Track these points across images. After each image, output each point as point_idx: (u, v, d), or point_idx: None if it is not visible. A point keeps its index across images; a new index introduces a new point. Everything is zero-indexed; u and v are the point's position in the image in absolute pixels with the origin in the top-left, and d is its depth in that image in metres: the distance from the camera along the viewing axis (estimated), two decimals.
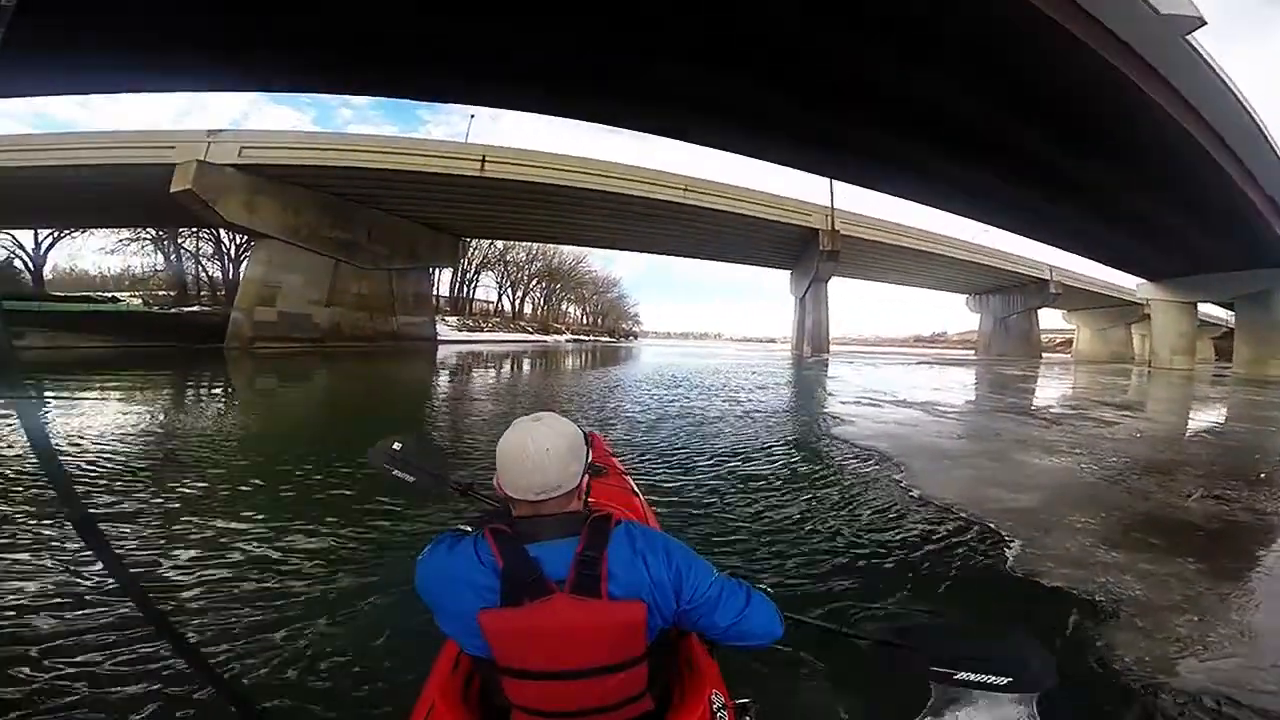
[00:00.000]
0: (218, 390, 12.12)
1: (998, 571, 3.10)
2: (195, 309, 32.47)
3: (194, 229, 35.70)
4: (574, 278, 74.06)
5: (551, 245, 56.55)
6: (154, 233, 37.41)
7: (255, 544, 3.22)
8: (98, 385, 11.60)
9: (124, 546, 3.17)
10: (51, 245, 37.83)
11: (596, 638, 1.02)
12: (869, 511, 4.09)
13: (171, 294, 39.20)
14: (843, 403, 11.05)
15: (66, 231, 36.83)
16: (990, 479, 5.09)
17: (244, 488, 4.27)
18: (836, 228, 32.02)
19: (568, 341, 59.57)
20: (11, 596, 2.59)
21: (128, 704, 1.90)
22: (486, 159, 22.93)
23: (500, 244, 54.63)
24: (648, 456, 5.65)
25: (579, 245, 51.83)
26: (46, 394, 10.19)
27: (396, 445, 1.92)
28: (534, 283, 68.57)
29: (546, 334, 62.61)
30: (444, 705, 1.11)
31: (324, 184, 23.05)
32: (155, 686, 1.96)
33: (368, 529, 3.44)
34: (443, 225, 30.84)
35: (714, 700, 1.14)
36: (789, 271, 38.87)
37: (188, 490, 4.15)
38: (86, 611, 2.48)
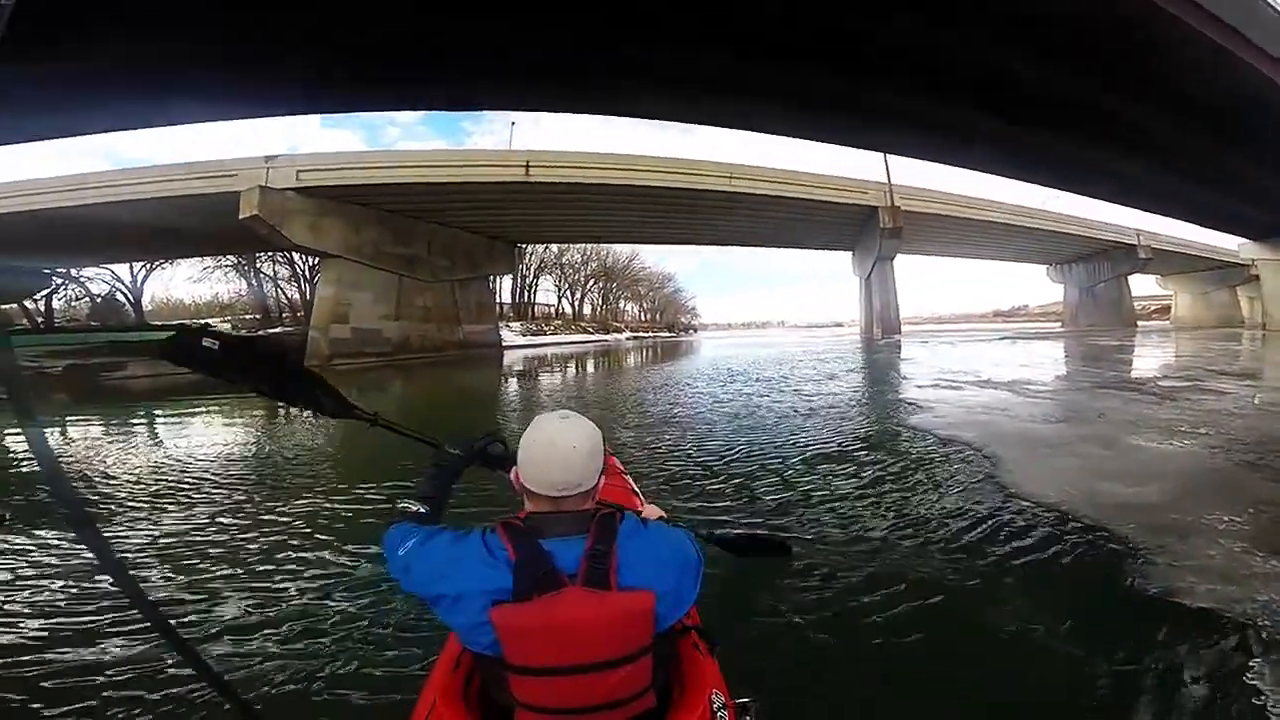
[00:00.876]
0: (306, 411, 12.79)
1: (1126, 589, 2.59)
2: (278, 330, 34.55)
3: (270, 253, 37.88)
4: (628, 276, 74.07)
5: (603, 245, 56.82)
6: (235, 259, 39.95)
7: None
8: (201, 409, 12.40)
9: (238, 548, 3.42)
10: (146, 277, 41.14)
11: (607, 629, 1.03)
12: (959, 520, 3.52)
13: (256, 317, 41.90)
14: (919, 387, 10.31)
15: (158, 263, 39.94)
16: (1100, 469, 4.49)
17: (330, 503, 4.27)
18: (896, 204, 30.45)
19: (628, 339, 59.61)
20: (11, 597, 2.60)
21: (125, 703, 1.89)
22: (530, 164, 23.04)
23: (555, 248, 55.18)
24: (698, 472, 4.82)
25: (628, 243, 51.77)
26: (156, 420, 11.08)
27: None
28: (590, 284, 68.99)
29: (606, 333, 62.89)
30: (445, 704, 1.12)
31: (380, 202, 23.71)
32: (153, 686, 1.95)
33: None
34: (497, 233, 31.29)
35: (714, 700, 1.14)
36: (850, 253, 37.35)
37: (294, 509, 4.20)
38: (82, 610, 2.47)
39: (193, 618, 2.50)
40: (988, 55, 11.61)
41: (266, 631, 2.35)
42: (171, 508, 4.40)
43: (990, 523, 3.48)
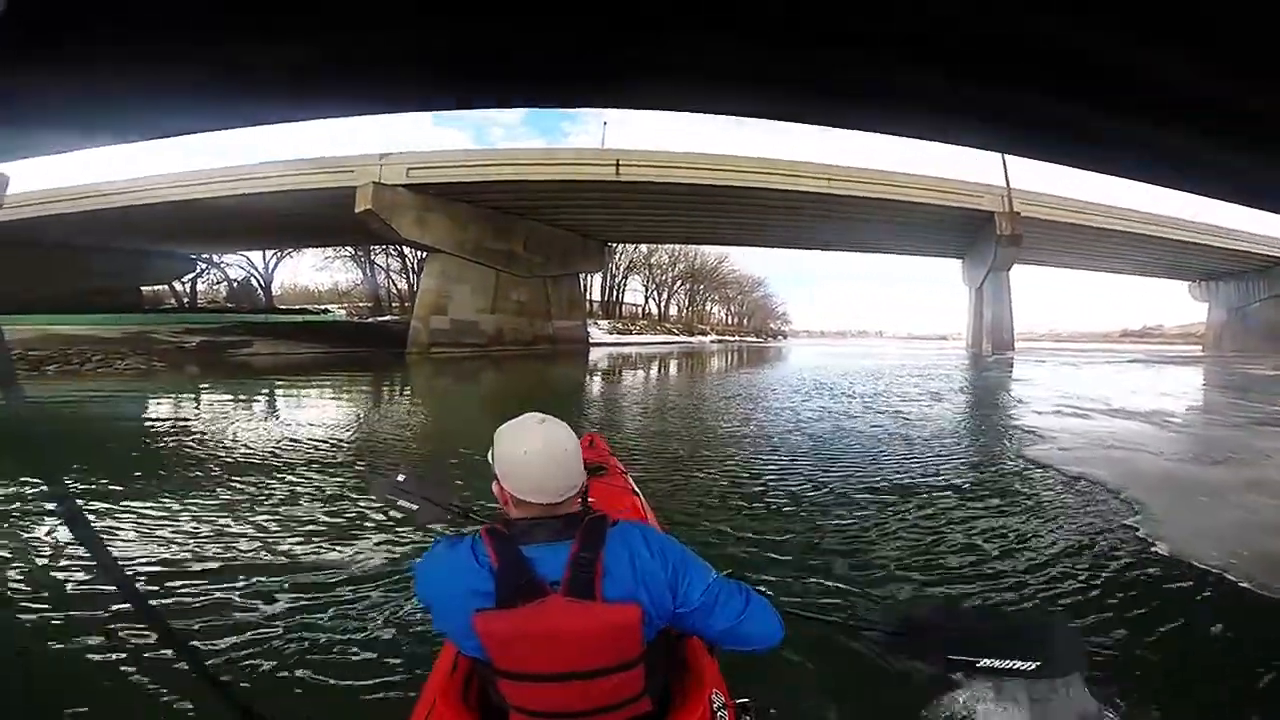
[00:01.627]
0: (406, 391, 13.84)
1: None
2: (386, 319, 36.94)
3: (383, 246, 40.51)
4: (716, 278, 73.22)
5: (692, 246, 56.43)
6: (352, 250, 43.08)
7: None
8: (314, 386, 13.65)
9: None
10: (276, 264, 45.26)
11: (591, 640, 1.00)
12: (1098, 586, 2.90)
13: (368, 305, 45.13)
14: (1039, 413, 9.25)
15: (286, 252, 43.80)
16: (1276, 525, 3.76)
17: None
18: (1016, 209, 28.03)
19: (712, 343, 58.98)
20: (8, 597, 2.61)
21: (122, 702, 1.88)
22: (620, 162, 23.15)
23: (645, 248, 55.41)
24: (760, 509, 4.26)
25: (717, 245, 51.06)
26: (277, 394, 12.24)
27: (401, 477, 2.02)
28: (678, 285, 68.88)
29: (691, 335, 62.58)
30: (444, 705, 1.11)
31: (482, 198, 24.65)
32: (151, 686, 1.94)
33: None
34: (589, 232, 31.76)
35: (714, 700, 1.14)
36: (959, 260, 34.96)
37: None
38: (79, 609, 2.47)
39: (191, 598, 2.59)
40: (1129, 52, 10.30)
41: (268, 628, 2.35)
42: (252, 478, 4.80)
43: (1138, 591, 2.88)
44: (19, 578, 2.81)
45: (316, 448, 6.37)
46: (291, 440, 6.71)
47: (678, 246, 57.16)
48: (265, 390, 12.90)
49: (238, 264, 44.92)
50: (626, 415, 9.68)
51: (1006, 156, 26.44)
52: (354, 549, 3.32)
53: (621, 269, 56.89)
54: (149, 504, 4.16)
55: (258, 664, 2.16)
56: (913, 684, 1.78)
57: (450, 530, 2.43)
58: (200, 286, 45.32)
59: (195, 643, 2.25)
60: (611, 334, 47.85)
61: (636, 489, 2.50)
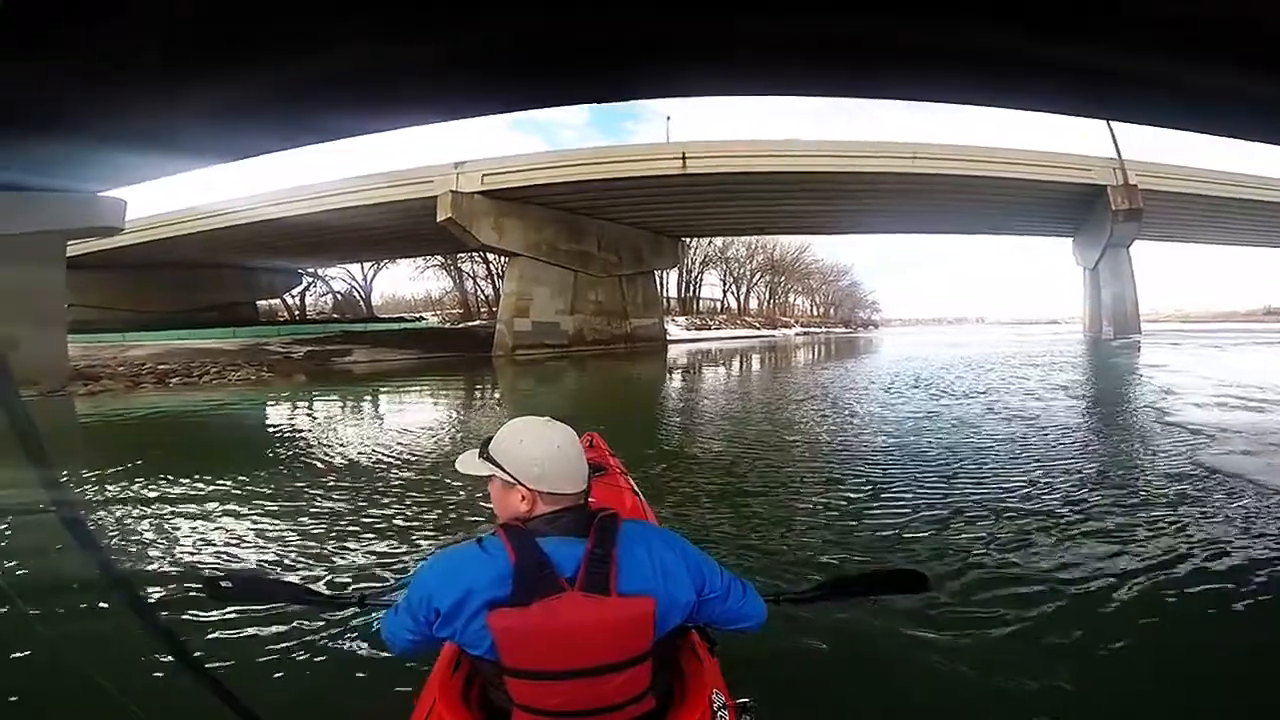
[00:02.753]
0: (492, 393, 14.21)
1: None
2: (474, 324, 38.32)
3: (469, 253, 42.01)
4: (798, 269, 70.91)
5: (770, 237, 54.82)
6: (441, 259, 44.97)
7: None
8: (406, 390, 14.43)
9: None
10: (374, 276, 48.06)
11: (605, 634, 1.02)
12: None
13: (458, 311, 47.09)
14: (1198, 406, 7.80)
15: (383, 264, 46.39)
16: None
17: None
18: (1132, 181, 25.01)
19: (797, 335, 57.06)
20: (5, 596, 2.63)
21: (121, 704, 1.77)
22: (686, 155, 22.66)
23: (719, 241, 54.55)
24: (872, 525, 3.66)
25: (795, 234, 49.27)
26: (380, 396, 12.88)
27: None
28: (757, 277, 67.32)
29: (774, 328, 60.77)
30: (444, 706, 1.11)
31: (553, 201, 24.91)
32: (150, 686, 1.92)
33: None
34: (661, 228, 31.54)
35: (714, 699, 1.14)
36: (1070, 239, 32.00)
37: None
38: (78, 609, 2.47)
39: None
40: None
41: (271, 627, 2.34)
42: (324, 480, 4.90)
43: None
44: (17, 578, 2.86)
45: (400, 450, 6.65)
46: (377, 443, 7.10)
47: (754, 238, 55.87)
48: (361, 394, 13.74)
49: (340, 277, 48.22)
50: (701, 416, 9.22)
51: (1114, 126, 23.67)
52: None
53: (697, 264, 56.32)
54: (232, 503, 4.49)
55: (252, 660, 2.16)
56: (901, 691, 1.99)
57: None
58: (308, 299, 48.99)
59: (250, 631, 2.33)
60: (689, 330, 47.39)
61: (636, 488, 2.53)
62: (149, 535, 3.86)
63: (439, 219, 22.79)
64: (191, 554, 3.56)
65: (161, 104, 9.98)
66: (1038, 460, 5.25)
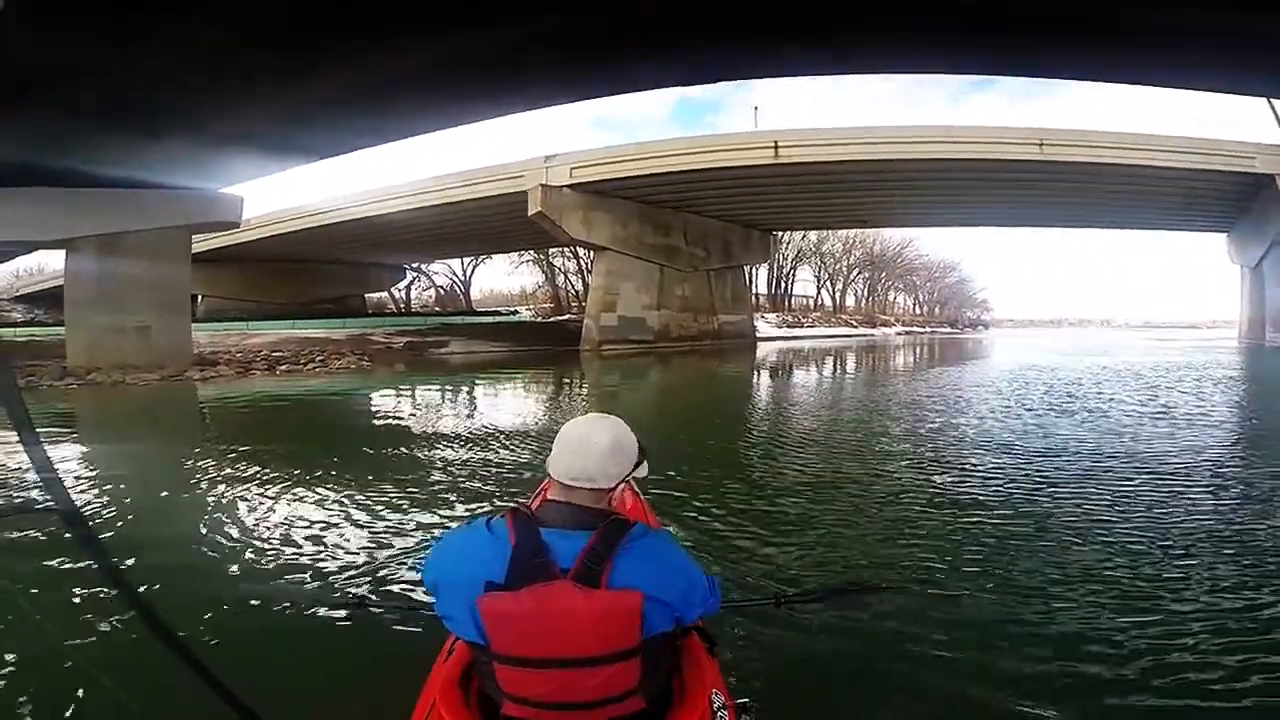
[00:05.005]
0: (577, 388, 14.53)
1: None
2: (564, 318, 39.07)
3: (561, 248, 42.84)
4: (900, 264, 66.85)
5: (870, 231, 51.92)
6: (534, 254, 46.20)
7: None
8: (501, 382, 14.87)
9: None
10: (473, 270, 50.23)
11: (591, 625, 1.04)
12: None
13: (550, 305, 48.26)
14: None
15: (481, 259, 48.38)
16: None
17: None
18: None
19: (898, 335, 53.76)
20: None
21: (119, 703, 1.85)
22: (779, 144, 21.44)
23: (814, 236, 52.44)
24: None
25: (899, 227, 46.20)
26: (469, 387, 13.26)
27: None
28: (854, 274, 64.15)
29: (873, 327, 57.64)
30: (444, 705, 1.12)
31: (640, 194, 24.61)
32: (148, 686, 1.83)
33: None
34: (751, 222, 30.53)
35: (714, 700, 1.15)
36: (1224, 234, 28.25)
37: None
38: (77, 609, 2.46)
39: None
40: None
41: (272, 626, 2.35)
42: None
43: None
44: (17, 576, 2.83)
45: (472, 439, 6.78)
46: (454, 431, 7.30)
47: (852, 232, 53.10)
48: (451, 384, 14.35)
49: (442, 271, 50.82)
50: (790, 426, 8.26)
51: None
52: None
53: (789, 259, 54.44)
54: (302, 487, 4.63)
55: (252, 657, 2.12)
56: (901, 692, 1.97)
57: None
58: (413, 292, 52.02)
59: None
60: (780, 327, 45.84)
61: (638, 490, 2.58)
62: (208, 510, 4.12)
63: (530, 213, 23.13)
64: (250, 531, 3.75)
65: (273, 100, 10.62)
66: (1228, 530, 3.60)
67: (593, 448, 1.15)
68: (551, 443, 1.18)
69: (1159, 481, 4.65)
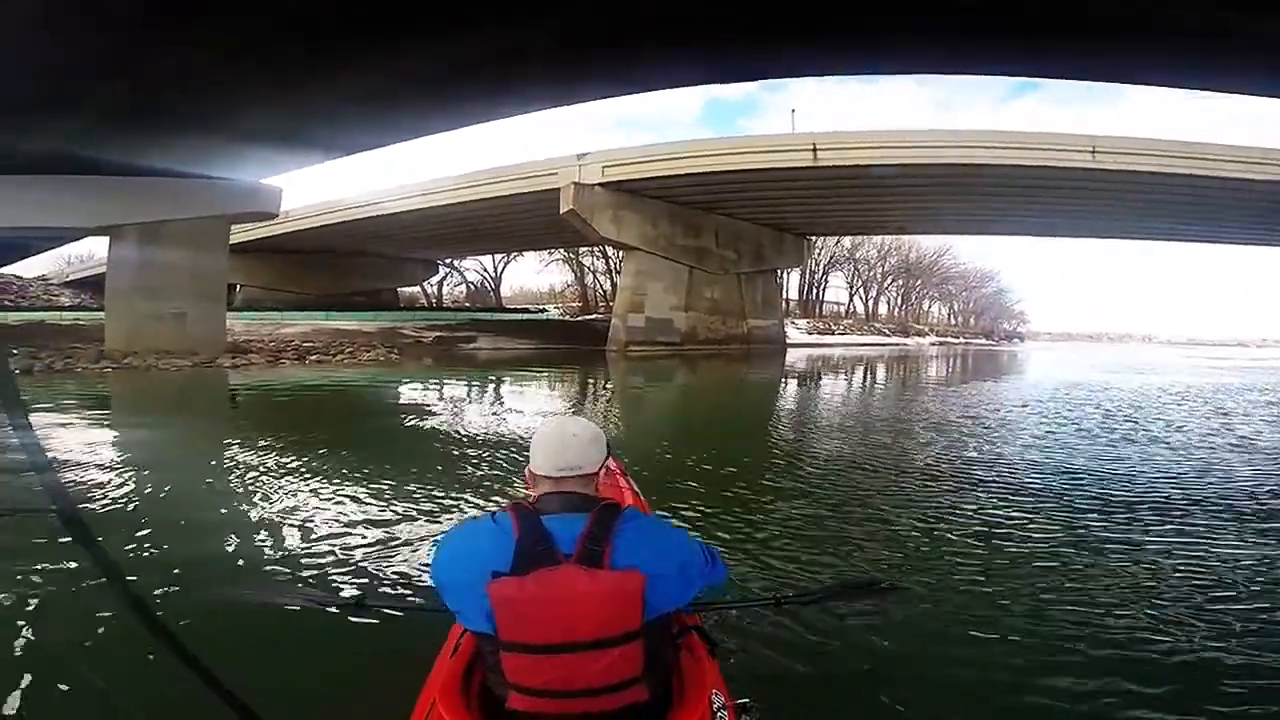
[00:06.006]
0: (603, 387, 14.00)
1: None
2: (592, 317, 38.99)
3: (589, 247, 42.76)
4: (936, 273, 65.28)
5: (906, 237, 50.76)
6: (563, 253, 46.22)
7: None
8: (526, 380, 14.82)
9: None
10: (504, 268, 50.51)
11: (597, 606, 1.07)
12: None
13: (577, 305, 48.25)
14: None
15: (512, 256, 48.60)
16: None
17: None
18: None
19: (931, 345, 52.48)
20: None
21: (113, 702, 1.89)
22: (818, 147, 20.86)
23: (848, 241, 51.49)
24: None
25: (937, 233, 45.08)
26: (494, 383, 13.15)
27: None
28: (888, 281, 62.83)
29: (906, 336, 56.41)
30: (444, 704, 1.13)
31: (672, 194, 24.29)
32: (147, 685, 1.83)
33: None
34: (784, 225, 29.94)
35: (714, 700, 1.16)
36: None
37: None
38: (76, 608, 2.43)
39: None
40: None
41: (272, 624, 2.27)
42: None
43: None
44: (16, 575, 2.78)
45: (489, 436, 6.70)
46: (474, 428, 7.25)
47: (887, 238, 51.98)
48: (478, 380, 14.30)
49: (473, 268, 51.24)
50: (820, 442, 7.39)
51: None
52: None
53: (822, 265, 53.52)
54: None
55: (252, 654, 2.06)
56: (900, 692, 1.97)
57: None
58: (445, 288, 52.56)
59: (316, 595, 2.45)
60: (811, 334, 45.07)
61: (634, 485, 2.66)
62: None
63: (561, 210, 23.01)
64: (256, 523, 3.76)
65: (307, 92, 10.71)
66: None
67: (572, 439, 1.24)
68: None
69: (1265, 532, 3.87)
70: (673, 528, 1.30)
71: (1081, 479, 5.21)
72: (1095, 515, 4.12)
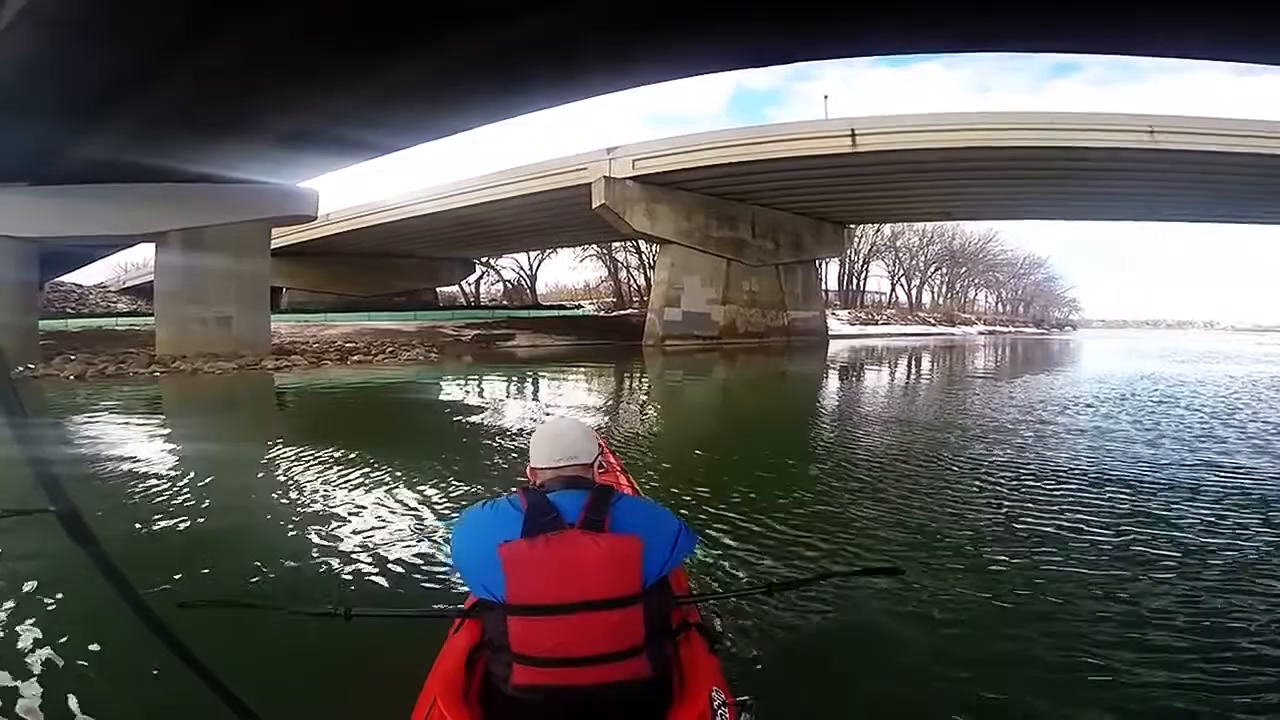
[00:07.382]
0: (640, 382, 13.85)
1: None
2: (627, 312, 38.75)
3: (623, 242, 42.45)
4: (981, 260, 62.91)
5: (948, 224, 48.98)
6: (597, 249, 46.02)
7: None
8: (564, 376, 14.85)
9: None
10: (539, 265, 50.67)
11: (599, 567, 1.15)
12: None
13: (612, 300, 48.05)
14: None
15: (547, 253, 48.66)
16: None
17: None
18: None
19: (979, 334, 50.58)
20: None
21: (116, 702, 1.89)
22: (856, 132, 20.05)
23: (889, 229, 49.98)
24: None
25: (985, 220, 43.32)
26: (533, 380, 13.27)
27: None
28: (932, 269, 60.79)
29: (952, 325, 54.46)
30: (445, 701, 1.13)
31: (705, 185, 23.78)
32: (146, 684, 1.79)
33: None
34: (823, 214, 29.11)
35: (714, 697, 1.16)
36: None
37: None
38: (75, 608, 2.44)
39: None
40: None
41: (272, 625, 2.22)
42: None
43: None
44: (16, 574, 2.77)
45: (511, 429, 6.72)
46: (509, 424, 7.30)
47: (930, 225, 50.20)
48: (516, 376, 14.24)
49: (510, 266, 51.55)
50: (868, 445, 6.20)
51: None
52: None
53: (862, 254, 52.11)
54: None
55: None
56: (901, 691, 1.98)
57: None
58: (482, 286, 53.05)
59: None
60: (853, 324, 43.92)
61: (631, 480, 2.82)
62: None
63: (593, 205, 22.78)
64: (272, 520, 3.81)
65: (338, 90, 10.67)
66: None
67: (568, 433, 1.41)
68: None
69: None
70: (659, 505, 1.45)
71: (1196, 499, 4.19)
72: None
